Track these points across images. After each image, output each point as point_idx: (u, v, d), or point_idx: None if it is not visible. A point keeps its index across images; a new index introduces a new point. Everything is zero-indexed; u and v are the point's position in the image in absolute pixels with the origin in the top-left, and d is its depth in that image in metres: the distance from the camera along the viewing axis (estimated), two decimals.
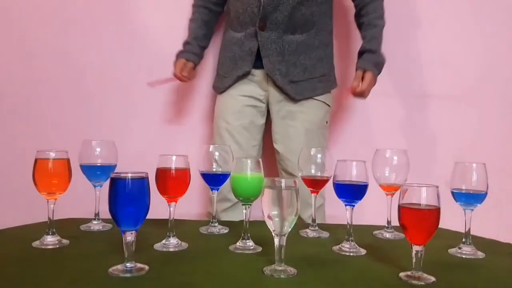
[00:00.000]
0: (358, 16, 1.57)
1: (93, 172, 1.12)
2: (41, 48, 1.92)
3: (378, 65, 1.48)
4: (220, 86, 1.61)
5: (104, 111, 1.90)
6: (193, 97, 1.90)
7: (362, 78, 1.44)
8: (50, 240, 0.97)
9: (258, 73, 1.54)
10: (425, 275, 0.79)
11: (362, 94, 1.44)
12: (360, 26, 1.56)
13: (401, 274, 0.81)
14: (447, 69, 1.83)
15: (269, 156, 1.66)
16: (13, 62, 1.93)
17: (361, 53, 1.51)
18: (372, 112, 1.87)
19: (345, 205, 1.01)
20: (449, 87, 1.83)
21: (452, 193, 1.01)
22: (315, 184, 1.13)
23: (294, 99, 1.53)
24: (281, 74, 1.50)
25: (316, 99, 1.55)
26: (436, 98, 1.83)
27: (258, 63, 1.52)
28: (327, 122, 1.60)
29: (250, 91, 1.57)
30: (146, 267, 0.81)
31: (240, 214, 1.55)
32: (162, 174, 0.98)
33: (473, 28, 1.83)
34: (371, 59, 1.47)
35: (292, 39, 1.49)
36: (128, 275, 0.77)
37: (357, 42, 1.59)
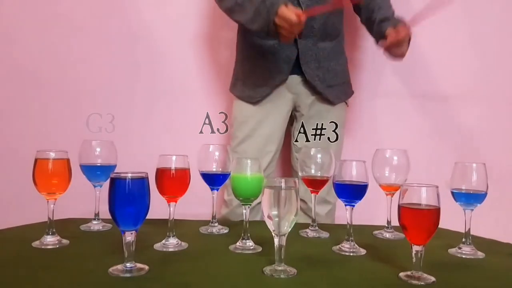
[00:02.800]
0: (366, 11, 1.54)
1: (93, 172, 1.12)
2: (41, 48, 1.92)
3: (403, 20, 1.40)
4: (255, 96, 1.54)
5: (104, 111, 1.90)
6: (194, 97, 1.90)
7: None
8: (50, 240, 0.97)
9: (289, 78, 1.54)
10: (425, 275, 0.79)
11: (401, 47, 1.36)
12: (371, 13, 1.51)
13: (401, 274, 0.81)
14: (447, 69, 1.83)
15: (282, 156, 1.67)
16: (12, 62, 1.93)
17: (379, 22, 1.45)
18: (372, 112, 1.87)
19: (345, 205, 1.01)
20: (449, 87, 1.83)
21: (452, 193, 1.01)
22: (315, 184, 1.13)
23: (332, 103, 1.56)
24: (320, 80, 1.52)
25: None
26: (436, 98, 1.83)
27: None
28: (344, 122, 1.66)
29: (280, 96, 1.55)
30: (146, 267, 0.81)
31: (255, 215, 1.56)
32: (162, 174, 0.98)
33: (473, 28, 1.83)
34: (395, 20, 1.41)
35: (325, 46, 1.52)
36: (128, 275, 0.78)
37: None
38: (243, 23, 1.41)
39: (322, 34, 1.51)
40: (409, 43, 1.39)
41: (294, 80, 1.54)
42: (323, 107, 1.57)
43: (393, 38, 1.33)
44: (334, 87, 1.56)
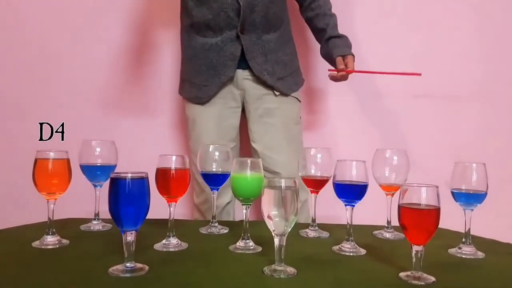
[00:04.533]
0: (308, 10, 1.60)
1: (93, 172, 1.12)
2: (41, 49, 1.92)
3: (350, 47, 1.53)
4: (202, 96, 1.53)
5: (104, 111, 1.90)
6: None
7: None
8: (50, 240, 0.97)
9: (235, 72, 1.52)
10: (425, 275, 0.79)
11: (346, 77, 1.48)
12: (313, 18, 1.58)
13: (401, 274, 0.81)
14: (447, 69, 1.83)
15: (245, 155, 1.66)
16: (13, 62, 1.93)
17: (327, 41, 1.54)
18: (372, 112, 1.87)
19: (345, 205, 1.01)
20: (449, 87, 1.83)
21: (452, 193, 1.01)
22: (315, 184, 1.13)
23: (285, 94, 1.55)
24: (269, 73, 1.51)
25: (290, 96, 1.58)
26: (436, 98, 1.83)
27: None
28: (300, 118, 1.63)
29: (228, 92, 1.54)
30: (146, 267, 0.81)
31: (226, 216, 1.55)
32: (162, 174, 0.98)
33: (473, 28, 1.83)
34: (344, 43, 1.52)
35: (270, 38, 1.51)
36: (128, 275, 0.78)
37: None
38: None
39: (265, 26, 1.49)
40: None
41: (240, 75, 1.52)
42: (271, 104, 1.54)
43: (340, 76, 1.45)
44: (285, 78, 1.54)
